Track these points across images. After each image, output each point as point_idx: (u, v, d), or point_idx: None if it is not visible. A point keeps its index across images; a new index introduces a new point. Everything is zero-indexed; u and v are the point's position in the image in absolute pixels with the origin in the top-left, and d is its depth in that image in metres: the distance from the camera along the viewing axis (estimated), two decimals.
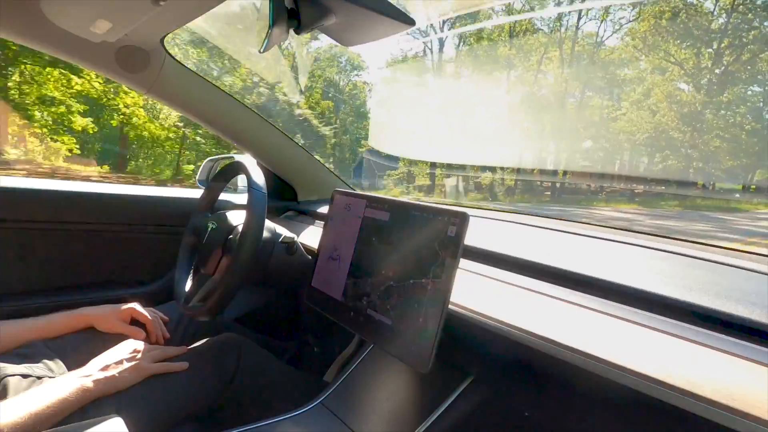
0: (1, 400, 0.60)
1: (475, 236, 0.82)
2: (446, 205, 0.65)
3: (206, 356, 0.80)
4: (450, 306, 0.60)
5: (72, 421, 0.60)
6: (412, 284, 0.63)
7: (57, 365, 0.73)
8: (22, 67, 7.95)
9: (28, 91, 8.23)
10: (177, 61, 1.04)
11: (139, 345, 0.76)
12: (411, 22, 0.64)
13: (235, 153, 1.45)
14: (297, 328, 1.24)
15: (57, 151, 8.93)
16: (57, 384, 0.63)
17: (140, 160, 11.71)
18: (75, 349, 0.78)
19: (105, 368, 0.68)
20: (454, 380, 0.66)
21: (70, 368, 0.71)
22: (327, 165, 1.43)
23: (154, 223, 1.23)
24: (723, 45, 14.47)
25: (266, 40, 0.64)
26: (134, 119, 9.73)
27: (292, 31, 0.66)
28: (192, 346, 0.82)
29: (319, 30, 0.68)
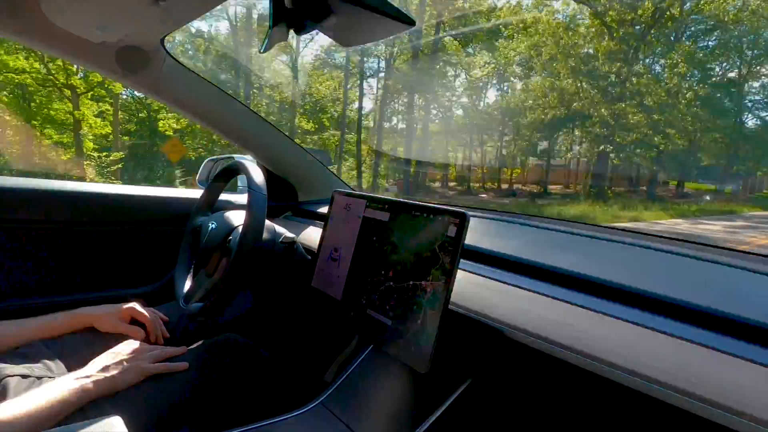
0: (0, 400, 0.60)
1: (475, 236, 0.82)
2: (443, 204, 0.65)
3: (206, 356, 0.80)
4: (450, 306, 0.60)
5: (72, 421, 0.60)
6: (412, 284, 0.63)
7: (57, 365, 0.73)
8: None
9: None
10: (177, 61, 1.04)
11: (139, 345, 0.76)
12: (411, 22, 0.64)
13: (235, 153, 1.45)
14: (297, 328, 1.24)
15: None
16: (57, 384, 0.63)
17: None
18: (75, 349, 0.78)
19: (105, 368, 0.68)
20: (454, 380, 0.66)
21: (70, 368, 0.71)
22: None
23: (154, 223, 1.23)
24: None
25: (266, 41, 0.64)
26: None
27: (292, 32, 0.66)
28: (192, 346, 0.82)
29: (320, 30, 0.68)
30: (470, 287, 0.68)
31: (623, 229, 0.89)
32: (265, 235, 0.90)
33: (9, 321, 0.78)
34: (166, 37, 0.96)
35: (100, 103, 13.56)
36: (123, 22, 0.76)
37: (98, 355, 0.72)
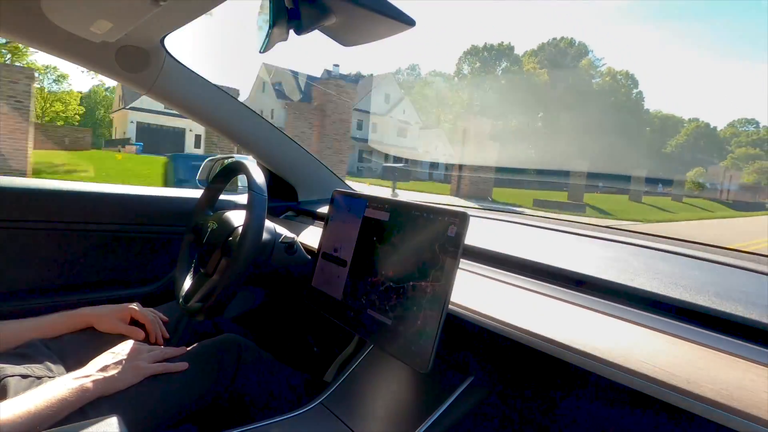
0: (0, 400, 0.60)
1: (475, 236, 0.82)
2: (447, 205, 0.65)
3: (206, 356, 0.80)
4: (450, 306, 0.60)
5: (71, 421, 0.59)
6: (412, 284, 0.63)
7: (57, 365, 0.73)
8: None
9: None
10: (177, 61, 1.04)
11: (139, 345, 0.76)
12: (411, 22, 0.64)
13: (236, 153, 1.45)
14: (297, 328, 1.24)
15: None
16: (56, 384, 0.63)
17: None
18: (75, 349, 0.78)
19: (104, 368, 0.68)
20: (454, 380, 0.66)
21: (69, 368, 0.71)
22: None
23: (154, 223, 1.23)
24: None
25: (266, 40, 0.64)
26: None
27: (292, 32, 0.66)
28: (191, 346, 0.82)
29: (319, 30, 0.68)
30: (470, 287, 0.68)
31: (623, 229, 0.89)
32: (265, 235, 0.90)
33: (9, 321, 0.78)
34: (166, 37, 0.96)
35: None
36: (123, 22, 0.76)
37: (98, 355, 0.72)
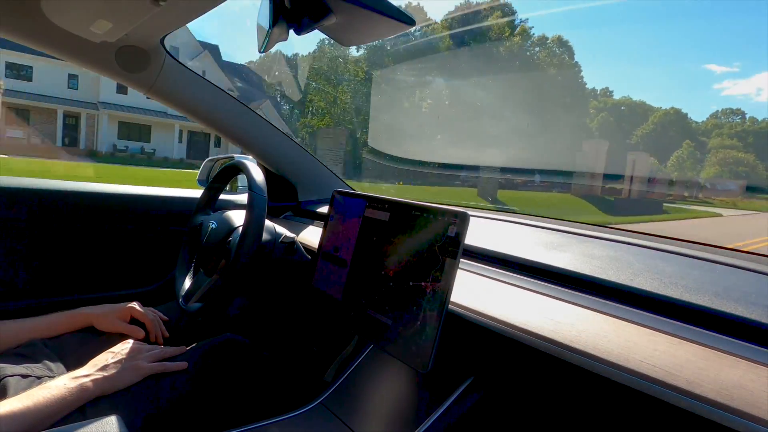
0: (0, 399, 0.60)
1: (475, 236, 0.82)
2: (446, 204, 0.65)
3: (205, 356, 0.80)
4: (450, 306, 0.60)
5: (71, 421, 0.60)
6: (412, 284, 0.63)
7: (56, 365, 0.73)
8: None
9: None
10: (177, 61, 1.04)
11: (139, 345, 0.76)
12: (411, 21, 0.64)
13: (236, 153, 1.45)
14: (296, 328, 1.24)
15: None
16: (56, 384, 0.63)
17: None
18: (75, 348, 0.78)
19: (104, 368, 0.68)
20: (454, 380, 0.66)
21: (69, 368, 0.71)
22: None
23: (154, 223, 1.23)
24: None
25: (266, 40, 0.64)
26: None
27: (292, 32, 0.66)
28: (191, 345, 0.82)
29: (319, 30, 0.68)
30: (470, 287, 0.68)
31: (623, 229, 0.89)
32: (265, 235, 0.90)
33: (9, 321, 0.78)
34: (166, 37, 0.96)
35: None
36: (123, 22, 0.76)
37: (98, 354, 0.72)
